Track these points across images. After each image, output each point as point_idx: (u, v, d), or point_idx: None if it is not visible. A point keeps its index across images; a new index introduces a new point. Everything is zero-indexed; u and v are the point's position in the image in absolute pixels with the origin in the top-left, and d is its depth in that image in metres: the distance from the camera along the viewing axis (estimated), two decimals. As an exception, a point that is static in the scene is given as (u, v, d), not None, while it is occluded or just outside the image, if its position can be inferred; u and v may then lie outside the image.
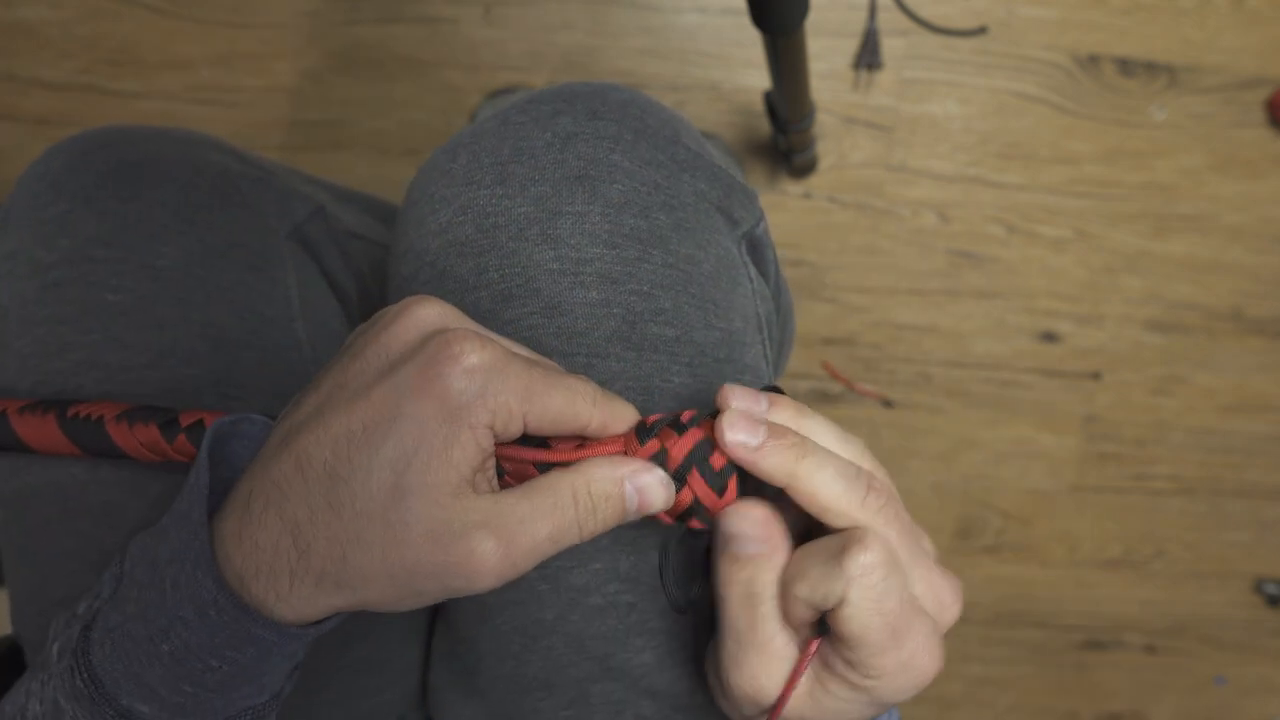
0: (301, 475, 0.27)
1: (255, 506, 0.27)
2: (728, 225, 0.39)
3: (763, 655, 0.30)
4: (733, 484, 0.30)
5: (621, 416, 0.30)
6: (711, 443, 0.30)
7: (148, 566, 0.29)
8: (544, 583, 0.36)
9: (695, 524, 0.31)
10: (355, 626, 0.42)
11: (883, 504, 0.29)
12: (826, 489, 0.29)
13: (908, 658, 0.28)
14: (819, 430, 0.30)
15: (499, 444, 0.29)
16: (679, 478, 0.30)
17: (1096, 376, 1.08)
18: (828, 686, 0.29)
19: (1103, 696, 1.17)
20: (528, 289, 0.35)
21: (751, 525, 0.30)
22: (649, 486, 0.29)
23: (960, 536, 1.11)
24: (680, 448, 0.30)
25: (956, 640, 1.14)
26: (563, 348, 0.35)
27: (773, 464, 0.29)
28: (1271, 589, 1.14)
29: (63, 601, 0.39)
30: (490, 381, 0.27)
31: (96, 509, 0.38)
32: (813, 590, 0.28)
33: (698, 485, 0.30)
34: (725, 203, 0.39)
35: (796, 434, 0.29)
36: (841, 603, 0.27)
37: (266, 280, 0.43)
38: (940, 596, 0.30)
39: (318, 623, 0.29)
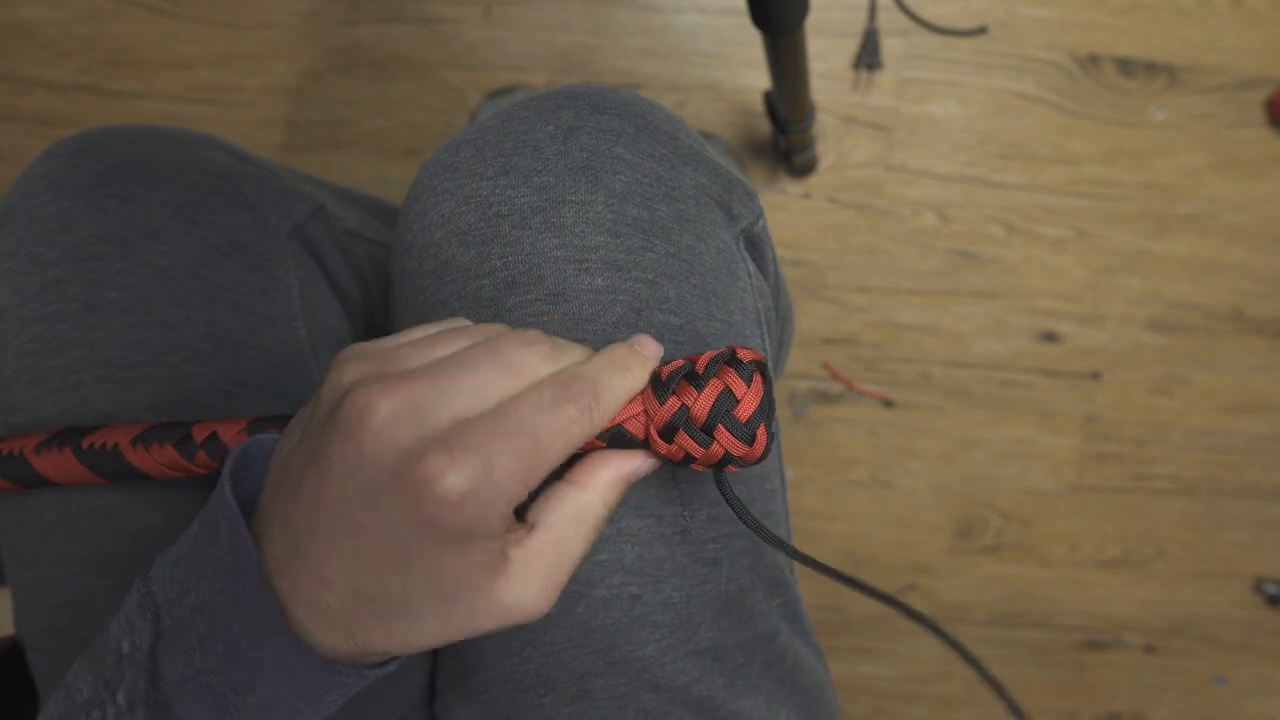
0: (332, 592, 0.27)
1: (320, 594, 0.27)
2: (726, 220, 0.39)
3: None
4: (761, 431, 0.31)
5: (621, 402, 0.30)
6: (732, 394, 0.31)
7: (208, 619, 0.29)
8: None
9: (732, 468, 0.32)
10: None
11: None
12: None
13: None
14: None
15: None
16: (706, 432, 0.31)
17: (1096, 376, 1.08)
18: None
19: (1102, 696, 1.17)
20: (532, 276, 0.35)
21: None
22: (644, 471, 0.32)
23: (960, 536, 1.11)
24: (702, 405, 0.31)
25: (956, 640, 1.14)
26: (570, 333, 0.35)
27: None
28: (1271, 589, 1.14)
29: (67, 604, 0.39)
30: (486, 498, 0.26)
31: (97, 511, 0.38)
32: None
33: (725, 439, 0.31)
34: (725, 198, 0.39)
35: None
36: None
37: (268, 279, 0.43)
38: None
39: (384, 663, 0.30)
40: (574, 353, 0.30)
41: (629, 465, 0.32)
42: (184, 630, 0.29)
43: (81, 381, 0.38)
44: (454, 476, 0.25)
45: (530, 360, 0.28)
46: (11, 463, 0.36)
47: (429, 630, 0.28)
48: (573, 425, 0.28)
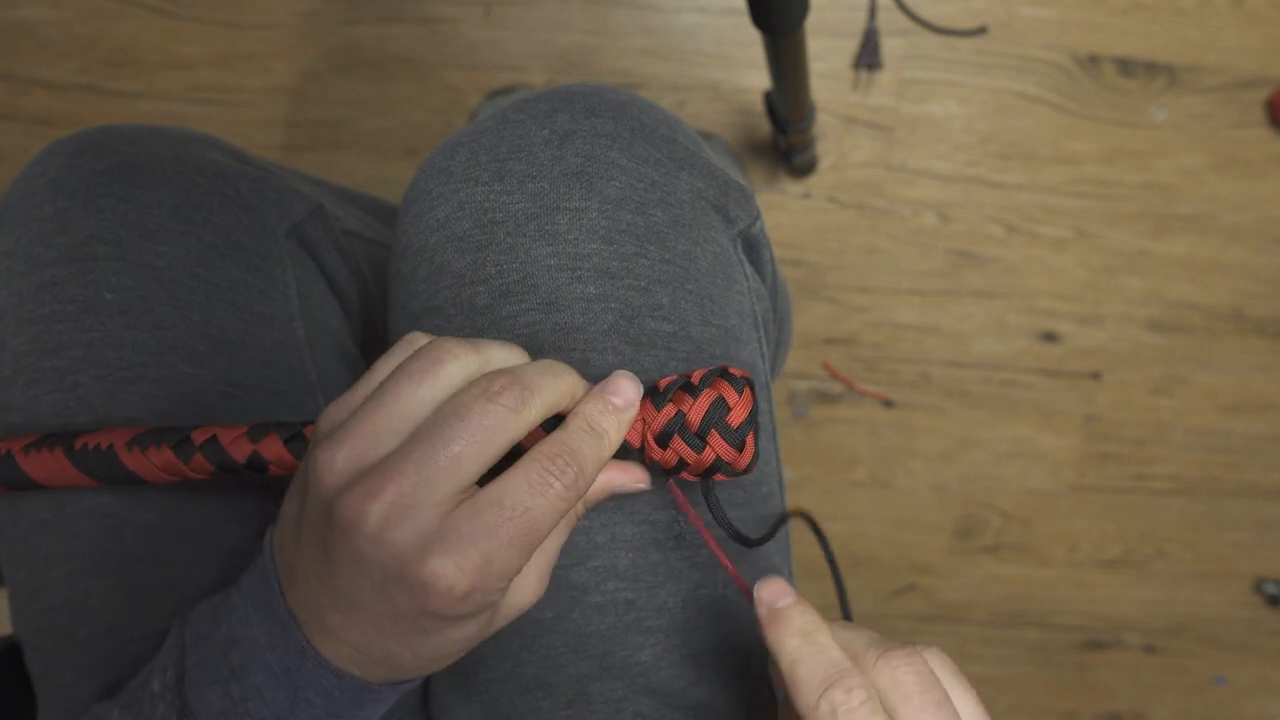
0: (361, 653, 0.29)
1: (335, 625, 0.29)
2: (723, 223, 0.39)
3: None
4: (750, 440, 0.33)
5: (593, 477, 0.30)
6: (725, 402, 0.32)
7: (242, 650, 0.30)
8: None
9: (720, 477, 0.33)
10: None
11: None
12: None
13: None
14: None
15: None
16: (700, 438, 0.32)
17: (1096, 376, 1.08)
18: None
19: (1102, 696, 1.17)
20: (525, 284, 0.35)
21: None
22: (629, 478, 0.33)
23: (960, 536, 1.11)
24: (697, 411, 0.32)
25: (956, 640, 1.14)
26: (560, 343, 0.35)
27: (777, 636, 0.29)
28: (1271, 589, 1.14)
29: (64, 603, 0.39)
30: (484, 584, 0.27)
31: (94, 510, 0.38)
32: (787, 687, 0.28)
33: (718, 444, 0.32)
34: (721, 201, 0.39)
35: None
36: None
37: (265, 279, 0.43)
38: None
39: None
40: (543, 390, 0.29)
41: (618, 479, 0.33)
42: (213, 664, 0.30)
43: (79, 382, 0.38)
44: (458, 576, 0.26)
45: (501, 420, 0.28)
46: None
47: (450, 659, 0.31)
48: (560, 501, 0.28)
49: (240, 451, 0.34)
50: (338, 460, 0.27)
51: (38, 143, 0.96)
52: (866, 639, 0.28)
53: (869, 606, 1.12)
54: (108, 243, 0.39)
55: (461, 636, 0.29)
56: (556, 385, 0.30)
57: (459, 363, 0.29)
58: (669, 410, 0.32)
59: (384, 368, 0.31)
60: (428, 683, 0.44)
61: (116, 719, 0.32)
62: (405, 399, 0.28)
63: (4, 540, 0.40)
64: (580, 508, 0.33)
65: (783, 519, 0.37)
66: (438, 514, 0.27)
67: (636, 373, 0.35)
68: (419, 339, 0.31)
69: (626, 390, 0.31)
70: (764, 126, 0.99)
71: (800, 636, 0.28)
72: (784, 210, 1.02)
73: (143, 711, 0.31)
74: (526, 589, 0.31)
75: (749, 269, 0.41)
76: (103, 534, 0.38)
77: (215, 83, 0.96)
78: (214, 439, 0.35)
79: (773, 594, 0.30)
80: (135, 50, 0.95)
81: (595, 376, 0.34)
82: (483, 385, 0.28)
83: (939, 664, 0.28)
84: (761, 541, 0.35)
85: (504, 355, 0.31)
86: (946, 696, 0.27)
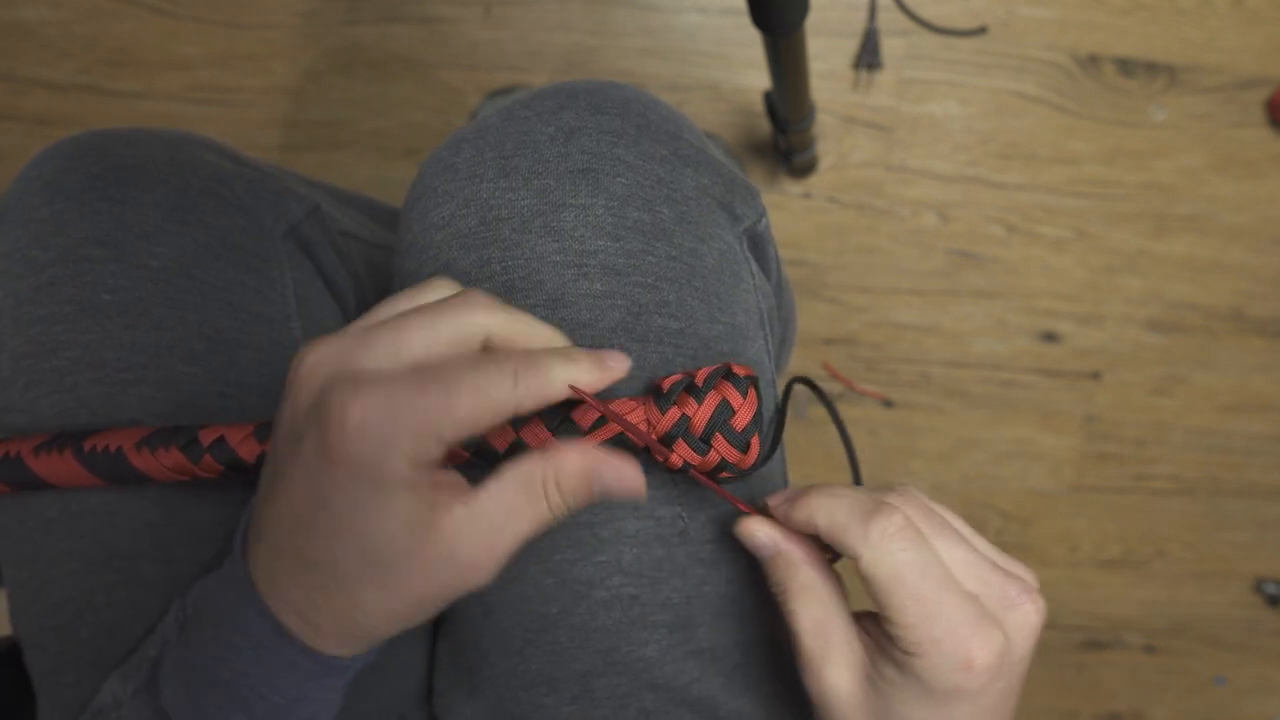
0: (284, 560, 0.28)
1: (277, 569, 0.29)
2: (729, 220, 0.39)
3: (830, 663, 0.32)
4: (755, 441, 0.33)
5: (555, 385, 0.29)
6: (730, 405, 0.32)
7: (208, 610, 0.31)
8: (548, 577, 0.37)
9: (726, 475, 0.34)
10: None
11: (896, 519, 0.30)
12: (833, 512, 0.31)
13: (941, 634, 0.29)
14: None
15: (525, 430, 0.31)
16: (705, 441, 0.32)
17: (1096, 376, 1.08)
18: (881, 670, 0.31)
19: (1103, 696, 1.17)
20: (531, 281, 0.35)
21: (759, 538, 0.33)
22: (616, 473, 0.30)
23: (960, 536, 1.11)
24: (701, 414, 0.32)
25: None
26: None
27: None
28: (1271, 589, 1.14)
29: (65, 602, 0.39)
30: (384, 429, 0.26)
31: (99, 508, 0.38)
32: (832, 535, 0.31)
33: (723, 447, 0.32)
34: (727, 198, 0.39)
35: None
36: (860, 560, 0.30)
37: (262, 280, 0.43)
38: (996, 590, 0.31)
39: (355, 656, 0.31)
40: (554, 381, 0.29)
41: (601, 461, 0.30)
42: (193, 626, 0.31)
43: (77, 383, 0.38)
44: (354, 404, 0.26)
45: (507, 397, 0.28)
46: (8, 464, 0.36)
47: (371, 602, 0.28)
48: (491, 385, 0.27)
49: (249, 451, 0.35)
50: (329, 351, 0.28)
51: (38, 143, 0.96)
52: (865, 493, 0.32)
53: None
54: (104, 244, 0.39)
55: (368, 534, 0.26)
56: (569, 374, 0.30)
57: (487, 314, 0.29)
58: (673, 414, 0.32)
59: (404, 301, 0.30)
60: (431, 679, 0.45)
61: (113, 686, 0.33)
62: (417, 329, 0.28)
63: (8, 540, 0.40)
64: (560, 502, 0.30)
65: (787, 389, 0.37)
66: (362, 365, 0.27)
67: (642, 370, 0.36)
68: (446, 285, 0.31)
69: (617, 357, 0.31)
70: (764, 126, 0.99)
71: (823, 495, 0.31)
72: (784, 210, 1.02)
73: (132, 673, 0.32)
74: (466, 551, 0.28)
75: (754, 266, 0.41)
76: (107, 532, 0.38)
77: (215, 83, 0.96)
78: (221, 439, 0.35)
79: (780, 498, 0.33)
80: (135, 50, 0.95)
81: None
82: (505, 359, 0.28)
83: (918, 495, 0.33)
84: (769, 454, 0.36)
85: (528, 329, 0.30)
86: (943, 520, 0.32)
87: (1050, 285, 1.05)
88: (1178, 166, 1.03)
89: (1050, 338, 1.06)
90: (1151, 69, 1.02)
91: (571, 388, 0.29)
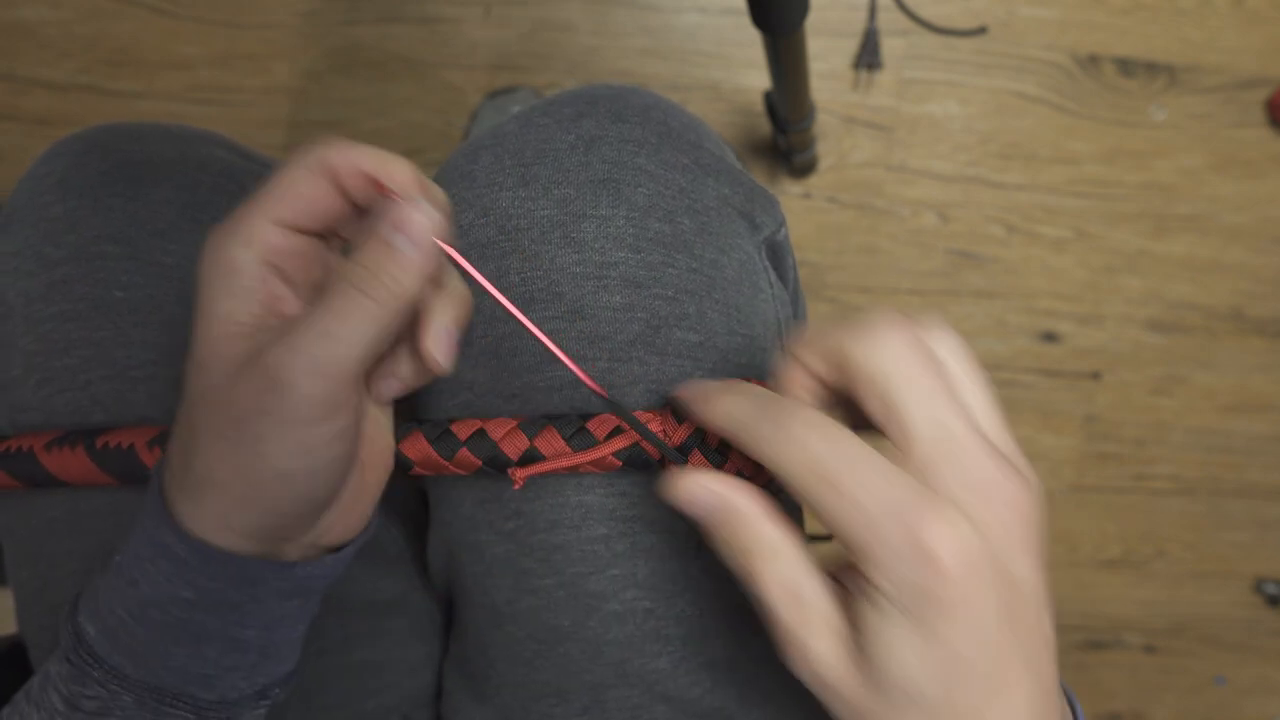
0: (174, 430, 0.29)
1: (170, 451, 0.29)
2: (749, 230, 0.39)
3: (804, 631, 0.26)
4: (733, 454, 0.32)
5: (360, 153, 0.28)
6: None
7: (125, 552, 0.30)
8: (560, 589, 0.36)
9: None
10: (355, 629, 0.42)
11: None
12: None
13: (879, 521, 0.23)
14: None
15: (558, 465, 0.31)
16: (720, 452, 0.32)
17: (1096, 376, 1.08)
18: (861, 622, 0.25)
19: (1103, 696, 1.17)
20: (550, 292, 0.35)
21: (696, 494, 0.27)
22: (409, 220, 0.27)
23: (960, 536, 1.11)
24: (679, 433, 0.32)
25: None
26: (585, 352, 0.35)
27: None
28: (1271, 589, 1.14)
29: (66, 603, 0.39)
30: (229, 225, 0.27)
31: (103, 508, 0.38)
32: (738, 439, 0.27)
33: (738, 459, 0.32)
34: (747, 208, 0.39)
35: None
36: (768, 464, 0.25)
37: None
38: (960, 465, 0.25)
39: (274, 561, 0.29)
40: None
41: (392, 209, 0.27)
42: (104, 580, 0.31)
43: (90, 381, 0.38)
44: (216, 229, 0.28)
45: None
46: (20, 460, 0.36)
47: (204, 434, 0.27)
48: (307, 155, 0.28)
49: None
50: None
51: (38, 143, 0.96)
52: (834, 331, 0.27)
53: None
54: (117, 241, 0.39)
55: (275, 436, 0.26)
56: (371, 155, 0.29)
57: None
58: (690, 424, 0.32)
59: None
60: (441, 681, 0.44)
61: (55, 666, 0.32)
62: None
63: (13, 539, 0.40)
64: (372, 276, 0.26)
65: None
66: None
67: (661, 383, 0.35)
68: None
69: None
70: (764, 126, 0.99)
71: (730, 393, 0.27)
72: (784, 210, 1.01)
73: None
74: (298, 374, 0.25)
75: (773, 275, 0.41)
76: (111, 532, 0.38)
77: (215, 83, 0.96)
78: None
79: (692, 390, 0.29)
80: (135, 50, 0.95)
81: (620, 386, 0.35)
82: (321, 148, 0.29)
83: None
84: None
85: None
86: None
87: (1050, 285, 1.05)
88: (1178, 166, 1.04)
89: (1050, 338, 1.06)
90: (1151, 69, 1.02)
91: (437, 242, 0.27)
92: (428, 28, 0.96)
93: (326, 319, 0.26)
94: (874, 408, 0.26)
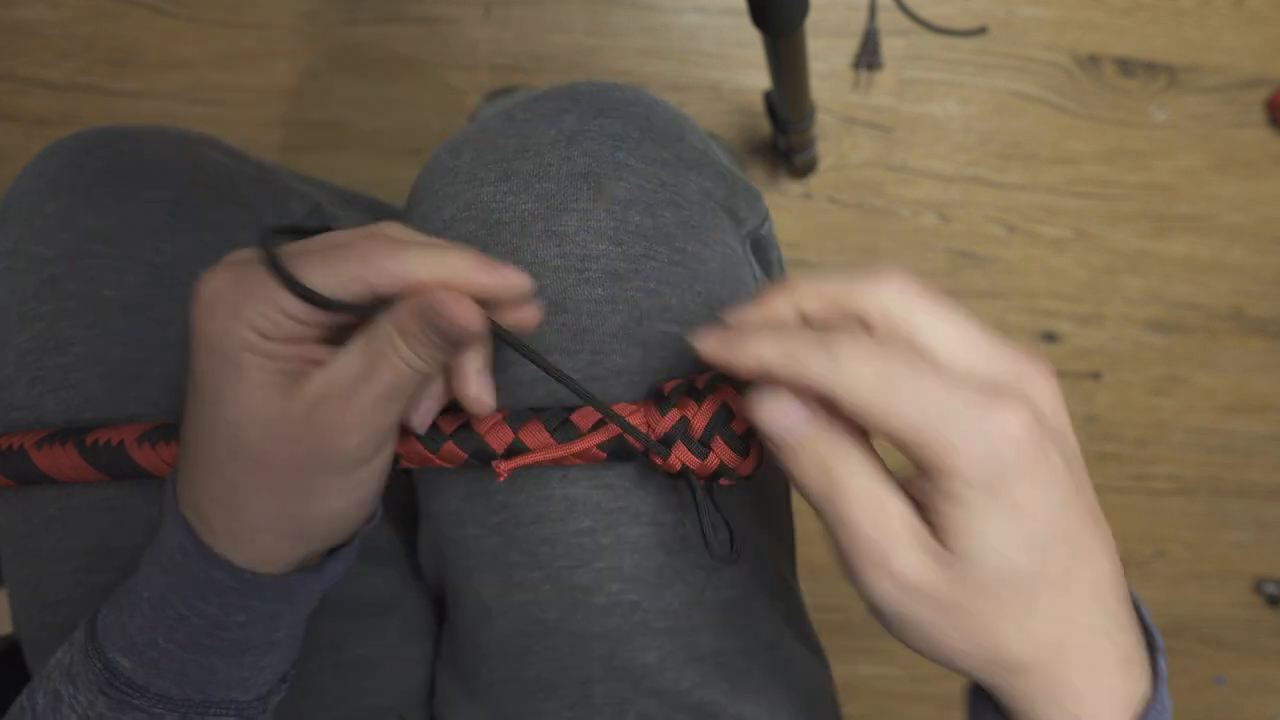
0: (185, 462, 0.30)
1: (185, 478, 0.30)
2: (732, 223, 0.39)
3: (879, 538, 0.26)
4: (755, 446, 0.32)
5: (409, 266, 0.27)
6: (730, 409, 0.31)
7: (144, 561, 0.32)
8: (547, 583, 0.36)
9: (725, 482, 0.33)
10: (349, 627, 0.42)
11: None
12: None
13: (959, 417, 0.24)
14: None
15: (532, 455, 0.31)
16: (704, 444, 0.31)
17: (1096, 376, 1.08)
18: (945, 523, 0.25)
19: (1103, 697, 1.17)
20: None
21: (784, 413, 0.27)
22: (441, 308, 0.27)
23: (960, 536, 1.11)
24: (701, 417, 0.31)
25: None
26: (567, 345, 0.35)
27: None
28: (1271, 589, 1.14)
29: (65, 600, 0.39)
30: (229, 298, 0.27)
31: (99, 504, 0.38)
32: (792, 376, 0.26)
33: (722, 451, 0.32)
34: (730, 201, 0.39)
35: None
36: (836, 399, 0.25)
37: None
38: (996, 366, 0.26)
39: (286, 574, 0.31)
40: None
41: (428, 298, 0.27)
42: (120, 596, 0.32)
43: (82, 379, 0.38)
44: (208, 280, 0.27)
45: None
46: (11, 458, 0.36)
47: (243, 486, 0.28)
48: (337, 257, 0.27)
49: None
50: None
51: (38, 143, 0.96)
52: (831, 283, 0.28)
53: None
54: (109, 240, 0.39)
55: (234, 403, 0.27)
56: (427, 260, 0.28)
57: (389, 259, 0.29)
58: (673, 415, 0.32)
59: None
60: (434, 678, 0.44)
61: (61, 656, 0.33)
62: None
63: (9, 537, 0.40)
64: (405, 349, 0.28)
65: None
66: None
67: (645, 375, 0.35)
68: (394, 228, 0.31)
69: (512, 276, 0.29)
70: (764, 126, 0.99)
71: (769, 331, 0.27)
72: (784, 210, 1.02)
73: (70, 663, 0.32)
74: (337, 418, 0.27)
75: (758, 270, 0.41)
76: (108, 529, 0.38)
77: (215, 83, 0.96)
78: None
79: (714, 339, 0.28)
80: (135, 50, 0.95)
81: (603, 379, 0.34)
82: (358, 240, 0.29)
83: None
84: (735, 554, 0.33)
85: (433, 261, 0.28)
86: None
87: (1050, 285, 1.05)
88: (1178, 166, 1.04)
89: (1050, 338, 1.06)
90: (1151, 69, 1.02)
91: (490, 321, 0.28)
92: (428, 28, 0.96)
93: (376, 386, 0.28)
94: (895, 326, 0.27)
